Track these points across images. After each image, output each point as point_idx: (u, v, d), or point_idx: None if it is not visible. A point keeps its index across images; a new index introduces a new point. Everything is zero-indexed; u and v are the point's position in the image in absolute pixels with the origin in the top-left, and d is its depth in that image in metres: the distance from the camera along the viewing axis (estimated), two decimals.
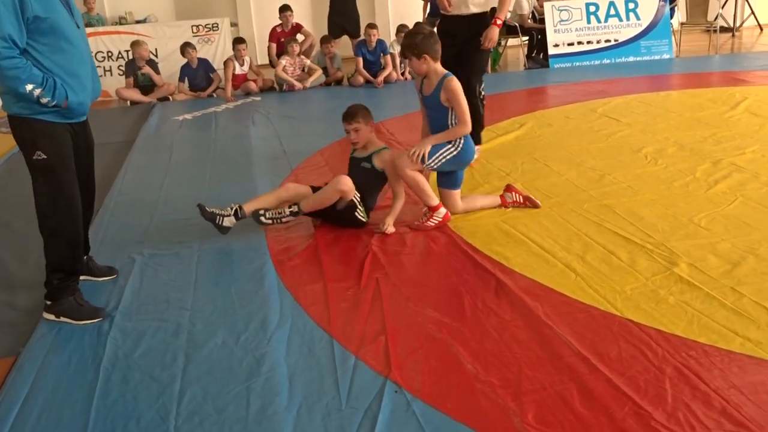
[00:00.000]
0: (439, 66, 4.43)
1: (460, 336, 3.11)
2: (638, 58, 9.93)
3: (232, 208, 4.36)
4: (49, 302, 3.47)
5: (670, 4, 10.27)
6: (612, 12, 10.02)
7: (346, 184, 4.30)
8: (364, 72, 9.63)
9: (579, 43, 9.90)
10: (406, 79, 9.93)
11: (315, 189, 4.56)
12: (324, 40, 9.99)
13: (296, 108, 8.68)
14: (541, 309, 3.29)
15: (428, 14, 10.66)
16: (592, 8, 9.98)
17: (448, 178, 4.57)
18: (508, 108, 7.54)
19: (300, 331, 3.25)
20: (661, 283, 3.50)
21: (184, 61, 9.76)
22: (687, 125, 6.43)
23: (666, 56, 9.98)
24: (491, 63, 9.90)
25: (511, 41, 10.81)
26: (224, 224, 4.33)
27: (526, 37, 10.36)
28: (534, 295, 3.44)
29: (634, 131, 6.33)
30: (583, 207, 4.57)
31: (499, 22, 5.54)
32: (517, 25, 10.25)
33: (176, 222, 4.79)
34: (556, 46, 9.83)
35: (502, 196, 4.65)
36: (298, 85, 9.55)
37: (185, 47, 9.64)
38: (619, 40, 9.95)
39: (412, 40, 4.39)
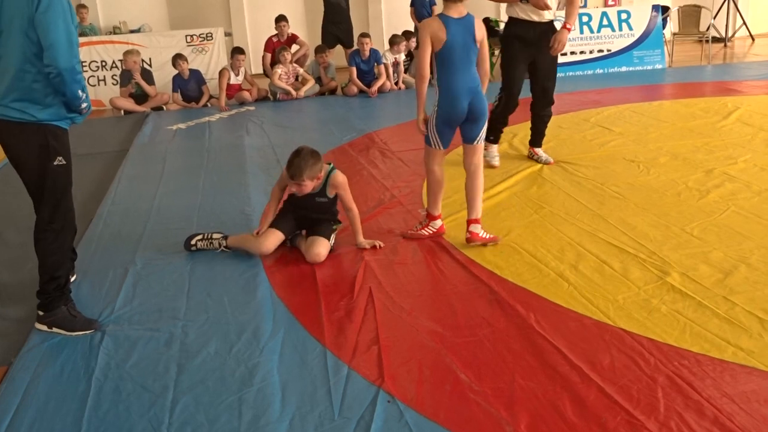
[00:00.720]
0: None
1: (453, 346, 3.12)
2: (631, 68, 9.98)
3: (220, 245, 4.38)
4: (41, 313, 3.45)
5: (663, 14, 10.32)
6: (605, 22, 10.08)
7: (322, 256, 4.15)
8: (358, 82, 9.64)
9: (572, 53, 9.94)
10: (399, 88, 9.96)
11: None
12: (318, 50, 10.02)
13: (290, 117, 8.69)
14: (533, 318, 3.30)
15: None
16: (585, 18, 10.03)
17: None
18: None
19: (293, 341, 3.24)
20: (653, 292, 3.51)
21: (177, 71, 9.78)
22: (679, 135, 6.46)
23: (658, 66, 10.03)
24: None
25: None
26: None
27: None
28: (527, 305, 3.44)
29: (626, 141, 6.36)
30: (575, 216, 4.59)
31: (569, 26, 5.42)
32: None
33: (169, 231, 4.78)
34: None
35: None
36: (293, 92, 9.56)
37: (176, 59, 9.66)
38: (612, 50, 10.01)
39: None
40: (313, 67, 10.22)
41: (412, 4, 10.95)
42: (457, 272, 3.89)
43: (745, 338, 3.05)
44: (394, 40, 9.95)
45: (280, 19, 10.40)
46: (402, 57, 10.06)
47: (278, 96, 9.68)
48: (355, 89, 9.67)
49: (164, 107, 9.80)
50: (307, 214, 4.34)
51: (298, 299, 3.68)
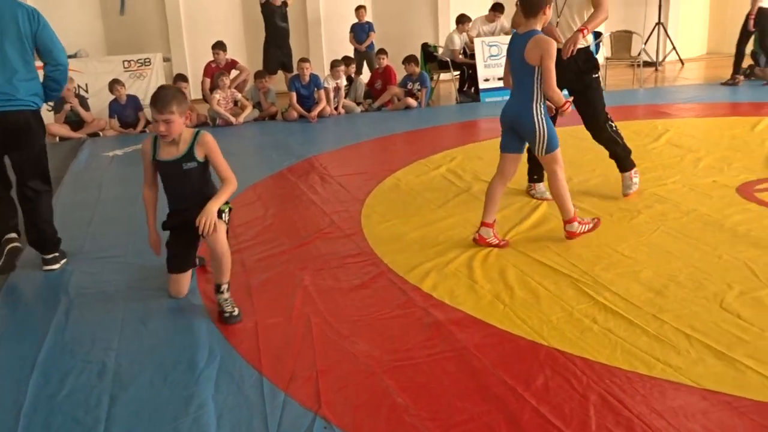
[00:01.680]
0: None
1: (390, 370, 3.12)
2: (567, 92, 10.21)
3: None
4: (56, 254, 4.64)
5: (596, 39, 10.62)
6: None
7: (221, 241, 3.67)
8: (298, 107, 9.65)
9: None
10: (339, 113, 10.00)
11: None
12: (258, 75, 10.02)
13: (229, 143, 8.60)
14: (470, 340, 3.34)
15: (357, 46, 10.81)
16: None
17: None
18: (440, 141, 7.66)
19: (229, 369, 3.21)
20: (586, 311, 3.58)
21: (114, 96, 9.66)
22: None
23: None
24: (427, 96, 10.05)
25: (444, 76, 11.03)
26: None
27: (458, 72, 10.57)
28: (463, 327, 3.48)
29: (566, 165, 6.44)
30: (511, 239, 4.66)
31: (584, 30, 5.09)
32: (448, 60, 10.46)
33: (103, 260, 4.70)
34: (487, 80, 10.05)
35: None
36: (232, 119, 9.52)
37: (113, 84, 9.55)
38: None
39: None
40: (252, 92, 10.20)
41: (351, 30, 11.05)
42: (396, 297, 3.91)
43: (674, 355, 3.13)
44: (334, 65, 10.01)
45: (217, 45, 10.37)
46: (342, 82, 10.12)
47: (217, 121, 9.63)
48: (295, 114, 9.67)
49: (101, 133, 9.66)
50: (181, 202, 3.93)
51: (234, 326, 3.64)
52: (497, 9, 10.61)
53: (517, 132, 4.52)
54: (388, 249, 4.59)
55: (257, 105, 10.02)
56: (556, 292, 3.82)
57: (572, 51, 5.00)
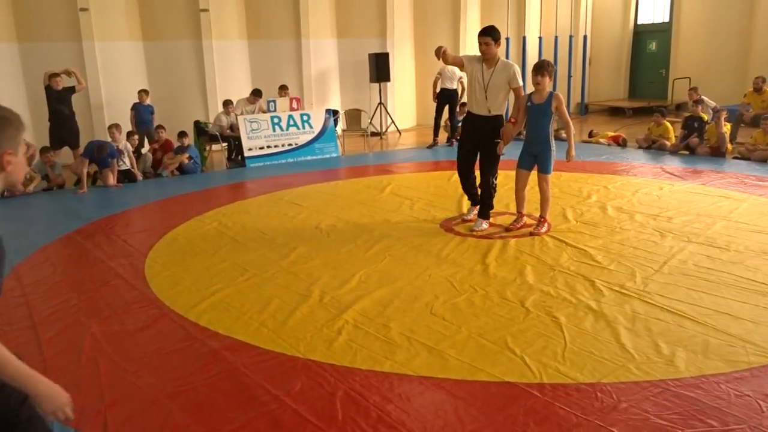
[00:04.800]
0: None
1: (172, 395, 2.99)
2: (314, 157, 10.53)
3: None
4: None
5: (334, 116, 11.10)
6: (291, 122, 10.54)
7: None
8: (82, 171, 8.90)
9: (268, 146, 10.22)
10: (120, 185, 9.37)
11: None
12: (43, 151, 9.12)
13: (18, 212, 7.73)
14: (240, 361, 3.29)
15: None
16: (276, 120, 10.41)
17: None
18: (214, 201, 7.48)
19: None
20: (333, 327, 3.69)
21: None
22: (350, 206, 6.88)
23: (334, 155, 10.70)
24: (201, 163, 9.80)
25: (215, 147, 10.84)
26: None
27: (226, 143, 10.47)
28: (234, 351, 3.42)
29: (312, 213, 6.62)
30: (272, 275, 4.67)
31: (512, 120, 5.44)
32: (218, 134, 10.34)
33: None
34: (250, 149, 10.05)
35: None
36: (21, 187, 8.52)
37: None
38: (299, 144, 10.47)
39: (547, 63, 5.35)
40: (39, 165, 9.26)
41: (133, 108, 10.49)
42: (176, 333, 3.74)
43: (399, 353, 3.33)
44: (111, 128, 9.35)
45: None
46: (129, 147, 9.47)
47: (5, 193, 8.60)
48: (111, 179, 8.82)
49: None
50: None
51: None
52: (257, 94, 10.73)
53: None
54: (169, 293, 4.38)
55: (45, 177, 9.11)
56: (309, 315, 3.89)
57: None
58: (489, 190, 5.70)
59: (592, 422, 2.64)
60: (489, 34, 5.34)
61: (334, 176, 8.99)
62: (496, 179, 5.70)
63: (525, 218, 5.68)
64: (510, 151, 5.94)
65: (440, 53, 5.32)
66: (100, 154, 8.70)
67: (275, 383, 3.03)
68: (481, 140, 5.59)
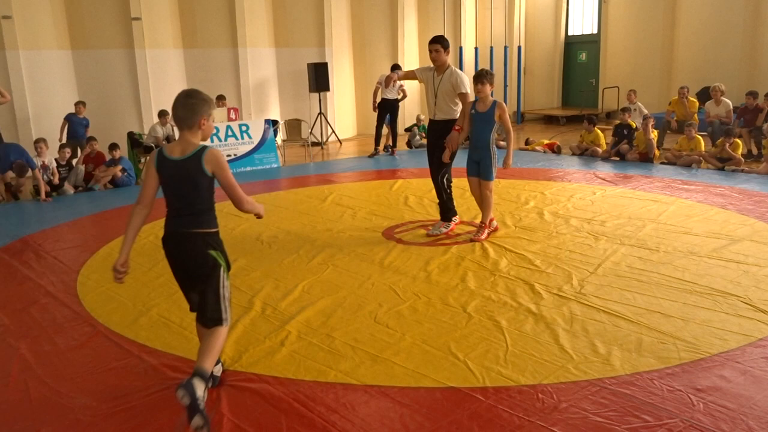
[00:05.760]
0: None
1: (108, 416, 2.88)
2: (254, 168, 10.40)
3: None
4: None
5: (273, 126, 11.00)
6: (230, 133, 10.39)
7: None
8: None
9: None
10: (48, 199, 9.01)
11: None
12: None
13: None
14: (181, 378, 3.19)
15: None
16: (213, 131, 10.24)
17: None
18: (150, 213, 7.26)
19: None
20: (276, 339, 3.64)
21: None
22: (292, 216, 6.82)
23: (275, 165, 10.59)
24: (135, 176, 9.54)
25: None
26: None
27: None
28: (175, 368, 3.34)
29: (253, 224, 6.51)
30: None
31: (457, 127, 5.55)
32: (153, 145, 10.07)
33: None
34: None
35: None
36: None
37: None
38: (238, 155, 10.33)
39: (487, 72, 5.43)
40: None
41: (67, 119, 10.09)
42: (112, 351, 3.61)
43: (343, 362, 3.32)
44: (37, 142, 8.98)
45: None
46: (50, 161, 9.09)
47: None
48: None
49: None
50: None
51: None
52: None
53: None
54: (103, 310, 4.23)
55: None
56: (251, 327, 3.83)
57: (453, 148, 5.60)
58: (440, 192, 5.84)
59: (534, 423, 2.70)
60: (438, 41, 5.57)
61: (274, 187, 8.91)
62: (447, 180, 5.80)
63: (494, 222, 5.80)
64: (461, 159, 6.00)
65: (392, 81, 5.82)
66: (21, 175, 8.37)
67: (218, 398, 2.96)
68: (433, 145, 5.80)
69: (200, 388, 2.58)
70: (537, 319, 3.79)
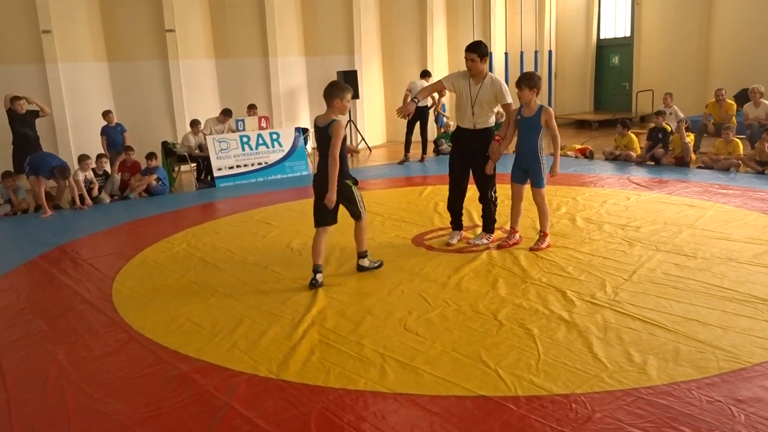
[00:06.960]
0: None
1: (140, 421, 2.91)
2: (284, 176, 10.47)
3: None
4: None
5: (303, 134, 11.07)
6: (261, 141, 10.49)
7: None
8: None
9: (237, 166, 10.15)
10: (87, 205, 9.19)
11: None
12: (6, 175, 8.92)
13: None
14: (211, 384, 3.23)
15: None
16: (245, 139, 10.34)
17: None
18: (183, 222, 7.39)
19: None
20: (306, 346, 3.65)
21: None
22: None
23: (305, 173, 10.65)
24: (169, 184, 9.70)
25: (184, 167, 10.73)
26: None
27: (195, 164, 10.38)
28: (205, 374, 3.36)
29: (283, 231, 6.57)
30: (244, 295, 4.61)
31: (498, 138, 5.36)
32: (186, 154, 10.24)
33: None
34: (219, 169, 9.96)
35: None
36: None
37: None
38: (269, 163, 10.41)
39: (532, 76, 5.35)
40: (2, 190, 9.04)
41: (103, 132, 10.30)
42: (145, 357, 3.66)
43: (373, 370, 3.30)
44: (81, 160, 9.20)
45: None
46: (91, 174, 9.31)
47: None
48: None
49: None
50: None
51: None
52: (226, 113, 10.64)
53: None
54: (137, 317, 4.29)
55: (8, 202, 8.89)
56: (281, 334, 3.85)
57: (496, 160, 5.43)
58: (488, 205, 5.63)
59: None
60: (474, 50, 5.29)
61: (304, 195, 8.93)
62: (495, 193, 5.63)
63: (518, 234, 5.61)
64: (503, 164, 5.90)
65: (408, 111, 5.30)
66: (64, 177, 8.55)
67: (247, 405, 2.97)
68: (471, 155, 5.51)
69: (365, 261, 4.95)
70: (569, 327, 3.72)
